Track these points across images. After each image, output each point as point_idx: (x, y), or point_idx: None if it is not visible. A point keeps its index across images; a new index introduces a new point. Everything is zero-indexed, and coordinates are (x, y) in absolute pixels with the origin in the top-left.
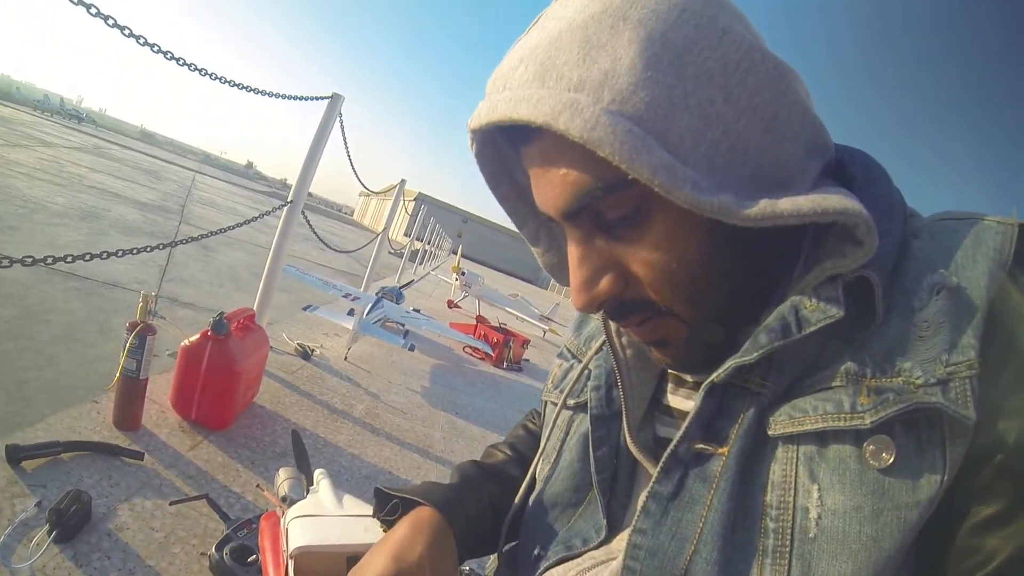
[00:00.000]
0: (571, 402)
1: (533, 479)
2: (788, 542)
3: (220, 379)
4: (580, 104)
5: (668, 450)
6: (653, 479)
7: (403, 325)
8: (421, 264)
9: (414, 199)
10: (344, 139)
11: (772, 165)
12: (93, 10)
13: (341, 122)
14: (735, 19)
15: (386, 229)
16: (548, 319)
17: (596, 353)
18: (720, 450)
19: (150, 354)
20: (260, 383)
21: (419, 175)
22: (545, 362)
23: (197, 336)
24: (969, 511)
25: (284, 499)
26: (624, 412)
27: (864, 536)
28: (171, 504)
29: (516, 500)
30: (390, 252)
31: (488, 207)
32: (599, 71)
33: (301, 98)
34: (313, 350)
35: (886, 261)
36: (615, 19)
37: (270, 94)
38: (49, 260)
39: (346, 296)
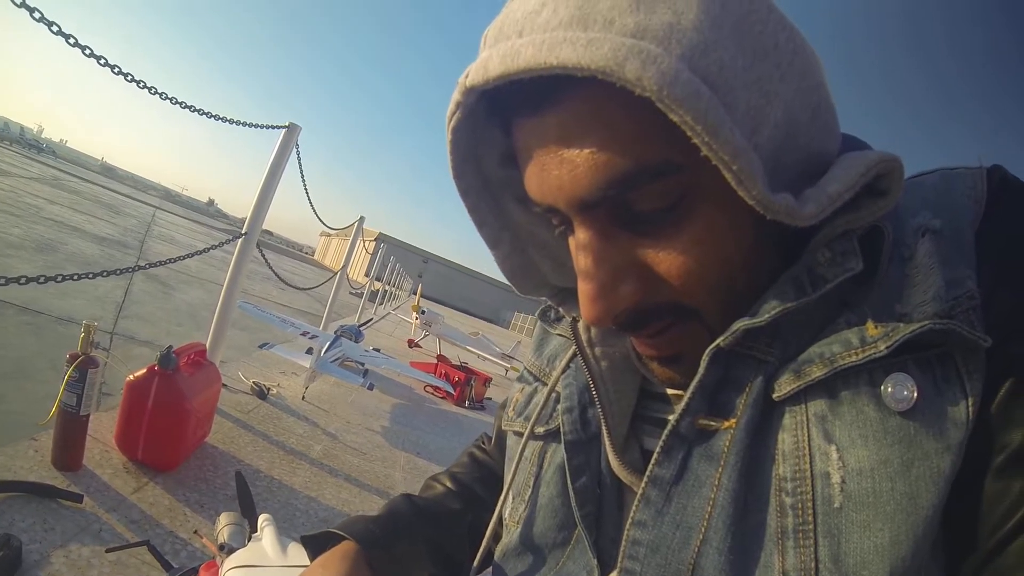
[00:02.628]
0: (540, 430)
1: (499, 522)
2: (811, 518)
3: (168, 417)
4: (652, 53)
5: (668, 428)
6: (652, 462)
7: (362, 364)
8: (381, 304)
9: (375, 239)
10: (300, 170)
11: (817, 157)
12: (55, 28)
13: (298, 153)
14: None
15: (344, 267)
16: (510, 357)
17: (563, 372)
18: (726, 424)
19: (92, 389)
20: (212, 422)
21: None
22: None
23: (143, 371)
24: (992, 449)
25: (222, 547)
26: (605, 432)
27: (898, 494)
28: (108, 551)
29: (483, 547)
30: (350, 292)
31: (449, 248)
32: (660, 22)
33: (257, 126)
34: (269, 389)
35: (890, 212)
36: None
37: (224, 119)
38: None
39: (304, 334)
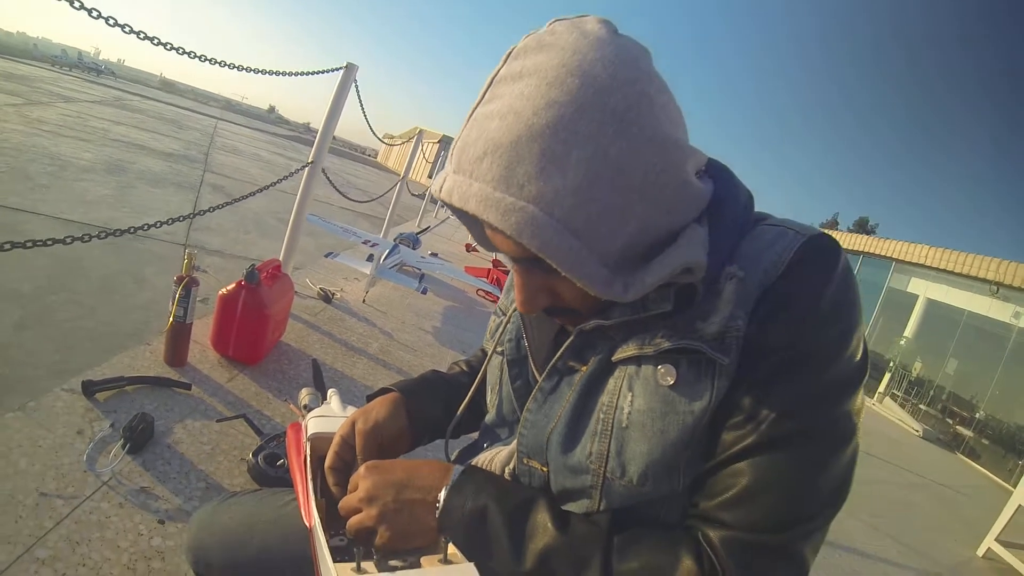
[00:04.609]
0: (499, 349)
1: (477, 393)
2: (610, 428)
3: (252, 322)
4: (539, 222)
5: (551, 363)
6: (540, 379)
7: (419, 269)
8: (443, 207)
9: (438, 141)
10: (362, 107)
11: (667, 235)
12: None
13: (357, 91)
14: (660, 109)
15: (404, 177)
16: None
17: (514, 311)
18: (583, 367)
19: (194, 302)
20: (286, 324)
21: (444, 116)
22: None
23: (232, 285)
24: (724, 420)
25: (305, 407)
26: (530, 355)
27: (656, 428)
28: (218, 421)
29: (460, 409)
30: (413, 195)
31: None
32: (552, 189)
33: (317, 72)
34: (334, 294)
35: (715, 269)
36: (568, 132)
37: (286, 73)
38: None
39: (365, 243)
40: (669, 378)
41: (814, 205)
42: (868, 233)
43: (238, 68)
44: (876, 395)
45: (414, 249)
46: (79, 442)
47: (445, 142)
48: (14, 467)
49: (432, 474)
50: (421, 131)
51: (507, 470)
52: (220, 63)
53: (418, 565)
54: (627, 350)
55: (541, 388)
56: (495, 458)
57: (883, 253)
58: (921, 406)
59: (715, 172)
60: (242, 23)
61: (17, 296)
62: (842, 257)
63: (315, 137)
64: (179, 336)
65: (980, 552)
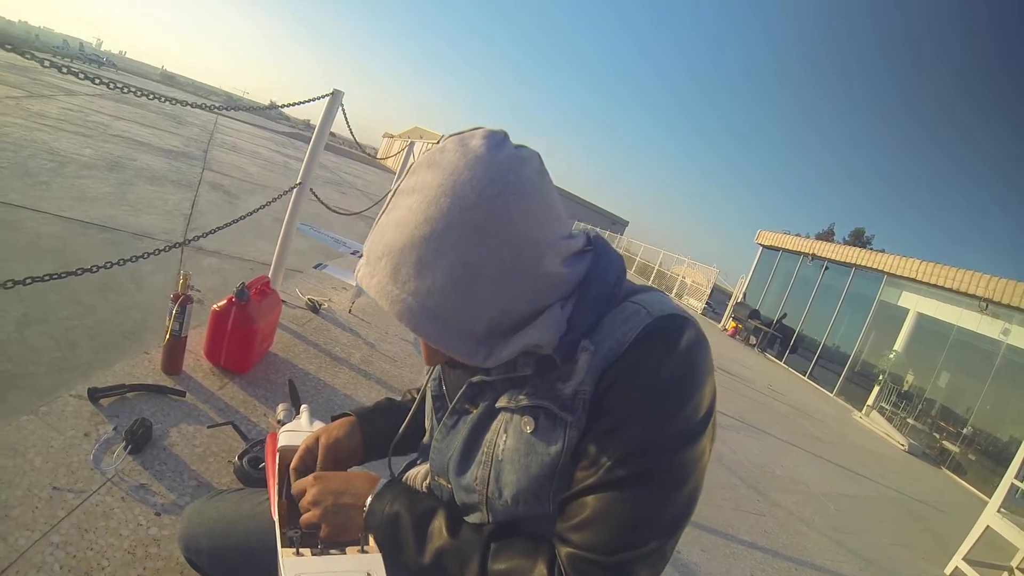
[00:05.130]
0: (430, 385)
1: (413, 420)
2: (490, 460)
3: (241, 335)
4: (414, 310)
5: (451, 406)
6: (444, 418)
7: None
8: None
9: (436, 142)
10: (350, 129)
11: (529, 315)
12: None
13: (345, 115)
14: (520, 215)
15: (396, 184)
16: None
17: None
18: (474, 410)
19: (188, 317)
20: (274, 335)
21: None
22: None
23: (224, 301)
24: (578, 462)
25: (279, 422)
26: (446, 394)
27: (521, 464)
28: (208, 428)
29: (399, 434)
30: None
31: None
32: (425, 286)
33: (303, 103)
34: (321, 304)
35: (573, 341)
36: (437, 243)
37: (279, 107)
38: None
39: (354, 253)
40: (528, 427)
41: (814, 212)
42: (863, 245)
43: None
44: (864, 408)
45: None
46: (86, 443)
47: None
48: (30, 464)
49: (363, 484)
50: (412, 143)
51: (425, 484)
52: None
53: (343, 553)
54: (503, 401)
55: (444, 423)
56: (419, 472)
57: (875, 266)
58: (909, 420)
59: (597, 249)
60: (246, 16)
61: (18, 292)
62: (686, 335)
63: (292, 128)
64: (175, 348)
65: (948, 571)
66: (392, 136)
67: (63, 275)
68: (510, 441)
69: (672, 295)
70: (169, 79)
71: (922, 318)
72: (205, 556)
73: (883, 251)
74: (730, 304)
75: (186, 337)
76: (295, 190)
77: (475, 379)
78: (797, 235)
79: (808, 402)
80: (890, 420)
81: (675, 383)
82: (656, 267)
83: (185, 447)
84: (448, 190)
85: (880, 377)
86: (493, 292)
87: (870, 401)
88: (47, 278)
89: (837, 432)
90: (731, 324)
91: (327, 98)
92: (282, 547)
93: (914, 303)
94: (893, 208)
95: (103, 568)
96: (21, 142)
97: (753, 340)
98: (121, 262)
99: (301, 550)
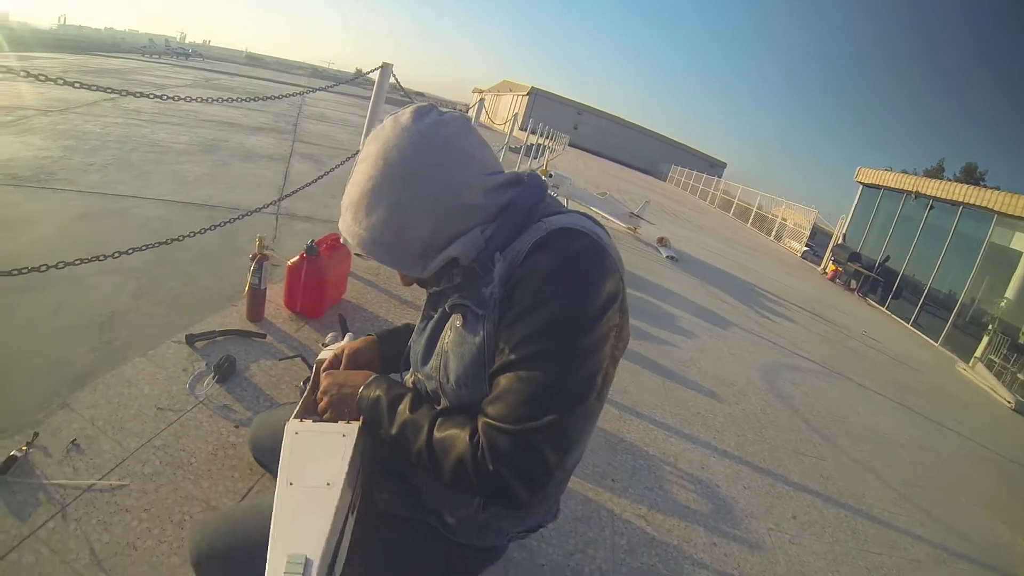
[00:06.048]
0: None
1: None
2: (441, 352)
3: (313, 285)
4: (366, 239)
5: (423, 311)
6: (419, 320)
7: None
8: (535, 158)
9: (527, 93)
10: (406, 94)
11: (455, 236)
12: None
13: (398, 83)
14: (438, 164)
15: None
16: (637, 216)
17: None
18: (436, 314)
19: (267, 273)
20: (346, 284)
21: (533, 68)
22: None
23: (297, 258)
24: (495, 348)
25: (324, 345)
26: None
27: (458, 352)
28: (279, 360)
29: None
30: (511, 149)
31: (602, 99)
32: (372, 222)
33: (355, 79)
34: None
35: (491, 254)
36: (378, 193)
37: (317, 89)
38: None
39: None
40: (458, 322)
41: (922, 147)
42: (976, 182)
43: None
44: (972, 360)
45: None
46: (184, 376)
47: (533, 93)
48: (140, 392)
49: (359, 378)
50: (481, 99)
51: (410, 380)
52: None
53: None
54: (447, 305)
55: (418, 327)
56: (409, 373)
57: (984, 204)
58: (1020, 375)
59: (525, 184)
60: None
61: (131, 270)
62: (574, 244)
63: (402, 96)
64: (256, 299)
65: None
66: (481, 91)
67: (155, 244)
68: (451, 335)
69: (771, 237)
70: (254, 60)
71: None
72: (268, 453)
73: (997, 188)
74: (829, 246)
75: (265, 289)
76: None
77: (432, 290)
78: (903, 172)
79: (906, 351)
80: (998, 375)
81: (561, 279)
82: (755, 209)
83: (263, 377)
84: (382, 155)
85: (989, 327)
86: (421, 222)
87: (978, 353)
88: (143, 248)
89: (933, 384)
90: (831, 267)
91: (378, 71)
92: (293, 416)
93: None
94: (1009, 142)
95: (191, 464)
96: (123, 138)
97: (854, 284)
98: (201, 231)
99: (304, 419)
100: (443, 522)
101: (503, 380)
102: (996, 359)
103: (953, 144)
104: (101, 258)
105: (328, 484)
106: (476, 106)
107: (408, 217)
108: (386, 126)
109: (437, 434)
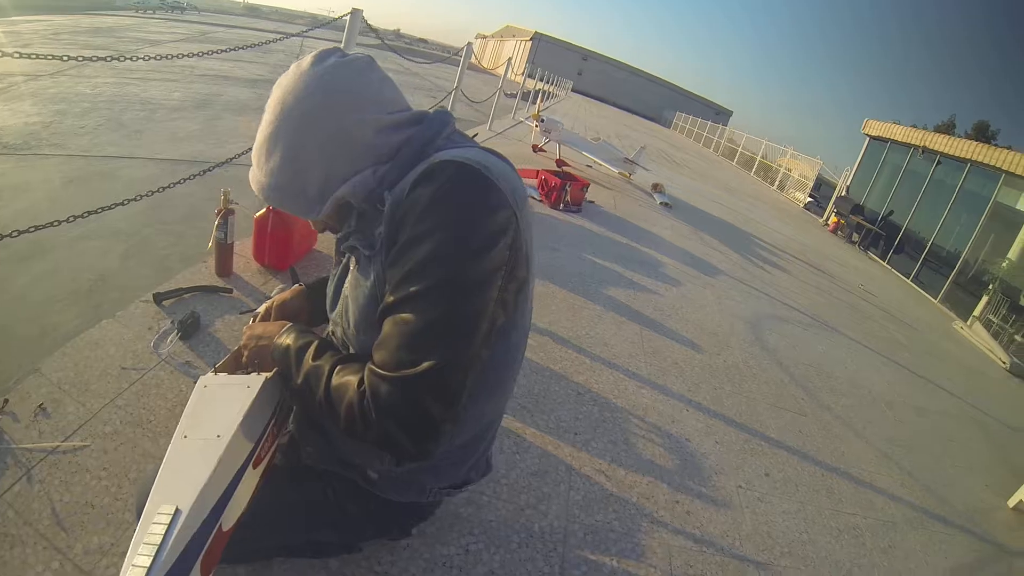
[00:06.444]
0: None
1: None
2: (342, 296)
3: (279, 237)
4: (264, 184)
5: (334, 258)
6: (331, 270)
7: None
8: (534, 104)
9: (530, 39)
10: (383, 41)
11: (349, 177)
12: None
13: (370, 27)
14: (330, 106)
15: (455, 90)
16: (631, 162)
17: None
18: (342, 260)
19: (232, 227)
20: (316, 235)
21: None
22: (612, 205)
23: (263, 210)
24: (387, 277)
25: (268, 297)
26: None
27: (354, 296)
28: (241, 313)
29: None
30: (506, 95)
31: (608, 45)
32: (270, 168)
33: (323, 26)
34: None
35: (380, 195)
36: (275, 138)
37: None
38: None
39: None
40: (352, 266)
41: (933, 102)
42: (987, 140)
43: None
44: (970, 319)
45: None
46: (149, 335)
47: (536, 38)
48: (105, 352)
49: (274, 329)
50: (469, 44)
51: (327, 330)
52: None
53: (247, 375)
54: (343, 247)
55: (330, 275)
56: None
57: (992, 163)
58: (1017, 337)
59: (424, 122)
60: None
61: (118, 232)
62: (454, 174)
63: (406, 44)
64: (223, 253)
65: (1011, 503)
66: (486, 36)
67: (85, 215)
68: (349, 278)
69: (775, 187)
70: (252, 11)
71: None
72: None
73: (1009, 148)
74: (832, 198)
75: (232, 244)
76: None
77: (338, 236)
78: (913, 126)
79: (904, 307)
80: (995, 335)
81: (438, 212)
82: (758, 158)
83: (226, 332)
84: (279, 101)
85: (990, 287)
86: (314, 163)
87: (977, 312)
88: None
89: (928, 341)
90: (833, 219)
91: (348, 16)
92: (212, 371)
93: None
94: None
95: (151, 421)
96: (114, 98)
97: (856, 237)
98: (162, 189)
99: (219, 372)
100: (366, 477)
101: (386, 324)
102: (995, 319)
103: (965, 101)
104: (71, 220)
105: (218, 436)
106: (465, 50)
107: (302, 160)
108: (288, 72)
109: (334, 381)
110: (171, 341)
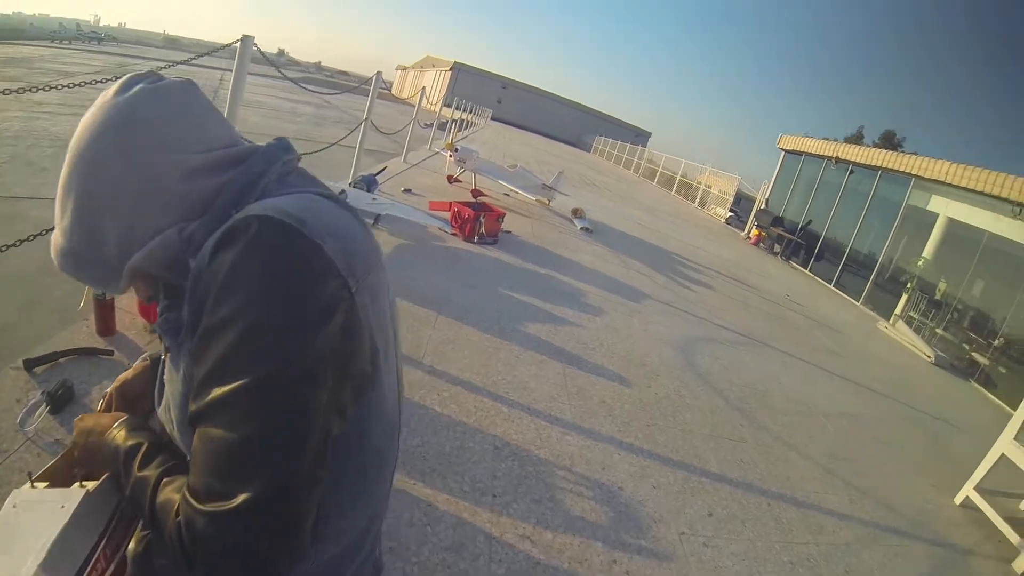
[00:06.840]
0: None
1: None
2: (163, 394)
3: None
4: (58, 249)
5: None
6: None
7: (373, 212)
8: (450, 135)
9: (449, 68)
10: (280, 72)
11: (154, 231)
12: None
13: (264, 55)
14: (130, 145)
15: (365, 122)
16: (550, 188)
17: None
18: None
19: None
20: None
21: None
22: (530, 234)
23: None
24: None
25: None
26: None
27: (169, 392)
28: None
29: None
30: (422, 126)
31: (527, 73)
32: (62, 228)
33: (216, 52)
34: None
35: (184, 261)
36: (68, 188)
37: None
38: None
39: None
40: (165, 358)
41: (841, 115)
42: (894, 148)
43: None
44: (892, 318)
45: (369, 191)
46: (17, 408)
47: (456, 68)
48: None
49: (107, 423)
50: (378, 72)
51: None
52: None
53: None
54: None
55: (162, 361)
56: None
57: (902, 169)
58: (937, 330)
59: (257, 155)
60: None
61: (23, 278)
62: (250, 234)
63: (327, 77)
64: (102, 311)
65: (958, 500)
66: (405, 68)
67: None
68: (166, 373)
69: (696, 204)
70: (172, 43)
71: (953, 223)
72: None
73: (915, 154)
74: (752, 212)
75: (112, 299)
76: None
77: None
78: (825, 139)
79: (829, 312)
80: (918, 331)
81: (239, 289)
82: (678, 176)
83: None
84: (76, 141)
85: (908, 285)
86: (110, 217)
87: (898, 310)
88: None
89: (856, 344)
90: (754, 232)
91: (238, 44)
92: (31, 482)
93: (944, 207)
94: (925, 110)
95: None
96: (20, 134)
97: (777, 248)
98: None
99: (38, 482)
100: None
101: (196, 438)
102: (915, 315)
103: (874, 111)
104: None
105: None
106: (374, 79)
107: (95, 215)
108: (96, 102)
109: (159, 497)
110: (39, 416)
